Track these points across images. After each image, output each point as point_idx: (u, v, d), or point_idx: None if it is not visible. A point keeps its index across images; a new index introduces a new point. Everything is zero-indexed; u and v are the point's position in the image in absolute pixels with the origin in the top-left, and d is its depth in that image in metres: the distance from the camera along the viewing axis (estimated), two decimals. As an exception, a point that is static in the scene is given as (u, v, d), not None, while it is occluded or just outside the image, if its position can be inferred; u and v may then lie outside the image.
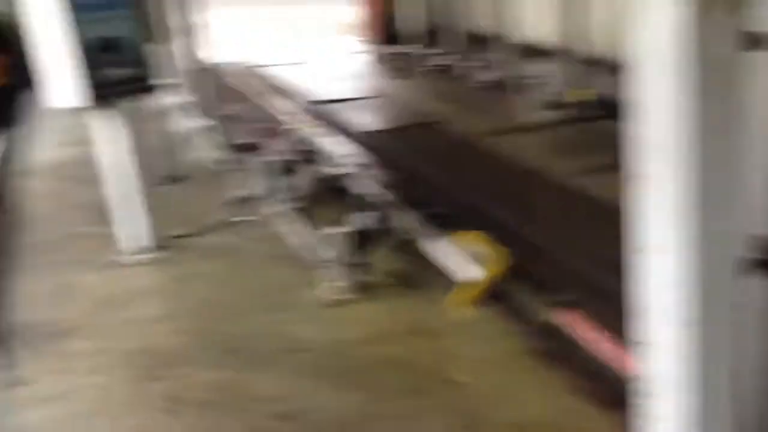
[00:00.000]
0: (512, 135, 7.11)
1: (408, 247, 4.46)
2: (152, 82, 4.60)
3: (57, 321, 3.98)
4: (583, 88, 7.74)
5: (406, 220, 4.45)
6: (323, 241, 4.17)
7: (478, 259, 3.94)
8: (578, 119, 7.44)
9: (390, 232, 4.43)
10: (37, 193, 5.89)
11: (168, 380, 3.38)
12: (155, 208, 5.38)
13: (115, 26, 4.31)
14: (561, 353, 3.42)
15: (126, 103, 4.49)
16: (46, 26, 4.08)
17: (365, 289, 4.08)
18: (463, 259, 3.94)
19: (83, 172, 5.86)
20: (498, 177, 5.71)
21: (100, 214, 4.82)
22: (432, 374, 3.36)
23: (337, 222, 4.81)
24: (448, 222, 4.45)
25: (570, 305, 3.58)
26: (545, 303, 3.71)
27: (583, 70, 7.85)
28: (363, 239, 4.14)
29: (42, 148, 7.13)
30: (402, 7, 12.08)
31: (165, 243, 4.81)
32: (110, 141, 4.48)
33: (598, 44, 9.20)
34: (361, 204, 4.61)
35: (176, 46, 7.72)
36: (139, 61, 4.43)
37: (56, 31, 4.06)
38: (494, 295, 3.83)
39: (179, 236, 4.92)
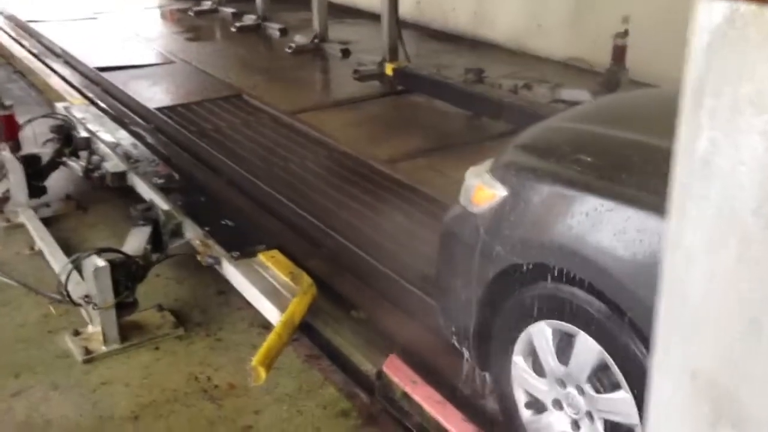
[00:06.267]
0: (324, 112, 6.27)
1: (193, 271, 3.56)
2: None
3: None
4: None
5: (192, 234, 3.51)
6: (80, 269, 3.12)
7: (280, 289, 3.11)
8: (393, 93, 6.74)
9: (169, 251, 3.48)
10: None
11: None
12: None
13: None
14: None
15: None
16: None
17: (135, 334, 3.12)
18: (258, 292, 3.09)
19: None
20: (305, 168, 4.87)
21: None
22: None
23: (104, 239, 3.80)
24: (245, 233, 3.57)
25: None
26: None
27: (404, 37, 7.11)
28: (133, 266, 3.14)
29: None
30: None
31: None
32: None
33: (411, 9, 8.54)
34: (137, 215, 3.60)
35: None
36: None
37: None
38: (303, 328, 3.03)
39: None
